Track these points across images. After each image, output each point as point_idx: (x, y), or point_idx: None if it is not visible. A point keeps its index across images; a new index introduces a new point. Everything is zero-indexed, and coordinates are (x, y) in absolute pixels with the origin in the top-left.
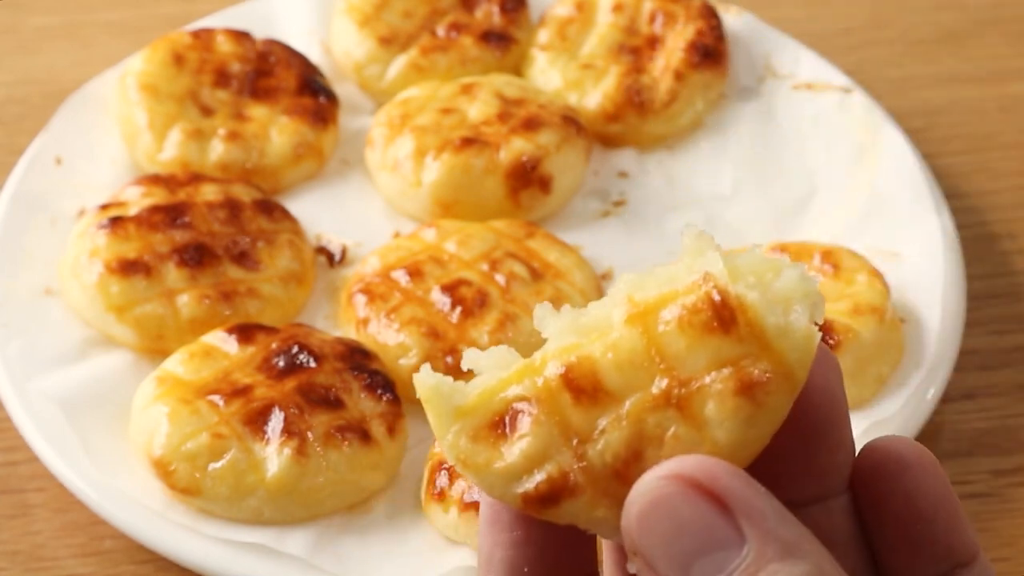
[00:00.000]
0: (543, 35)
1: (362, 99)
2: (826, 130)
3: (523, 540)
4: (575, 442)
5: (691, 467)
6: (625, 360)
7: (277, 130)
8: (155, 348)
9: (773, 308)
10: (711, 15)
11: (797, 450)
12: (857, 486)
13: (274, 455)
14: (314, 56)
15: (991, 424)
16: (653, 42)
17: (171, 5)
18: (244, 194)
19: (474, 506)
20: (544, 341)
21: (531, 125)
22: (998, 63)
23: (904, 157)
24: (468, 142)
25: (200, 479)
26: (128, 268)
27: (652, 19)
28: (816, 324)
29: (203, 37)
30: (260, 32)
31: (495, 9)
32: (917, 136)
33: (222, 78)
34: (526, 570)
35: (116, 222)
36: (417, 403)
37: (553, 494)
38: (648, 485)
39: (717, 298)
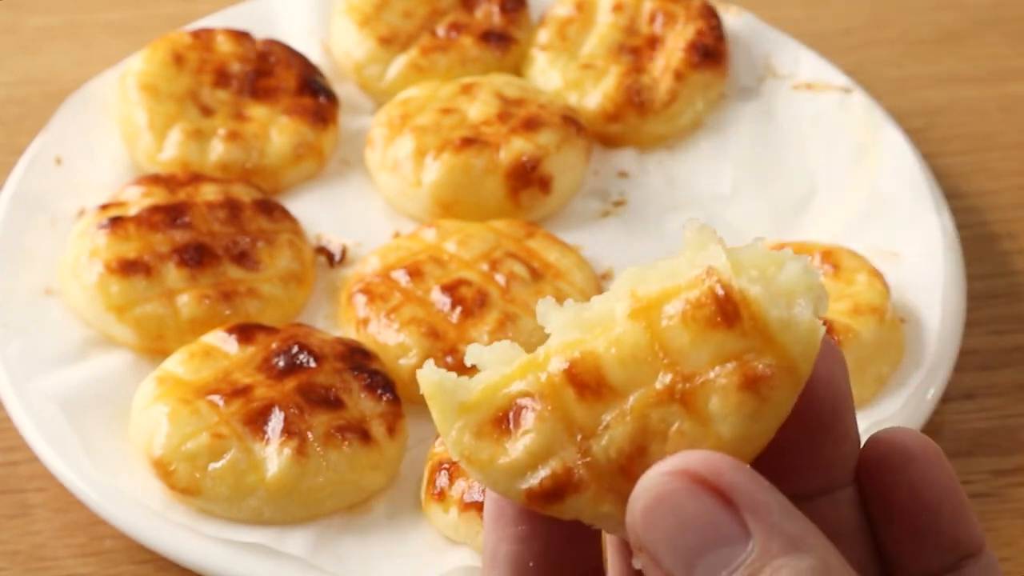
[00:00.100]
0: (543, 35)
1: (362, 99)
2: (826, 130)
3: (528, 535)
4: (579, 437)
5: (695, 462)
6: (628, 355)
7: (277, 130)
8: (155, 348)
9: (776, 302)
10: (711, 15)
11: (802, 443)
12: (862, 478)
13: (274, 455)
14: (314, 56)
15: (991, 424)
16: (653, 42)
17: (171, 5)
18: (244, 194)
19: (474, 506)
20: (546, 337)
21: (531, 125)
22: (998, 63)
23: (904, 157)
24: (468, 142)
25: (200, 479)
26: (128, 268)
27: (652, 19)
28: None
29: (203, 37)
30: (260, 32)
31: (495, 9)
32: (917, 136)
33: (222, 78)
34: (531, 565)
35: (116, 222)
36: (417, 403)
37: (557, 490)
38: (652, 481)
39: (720, 292)
